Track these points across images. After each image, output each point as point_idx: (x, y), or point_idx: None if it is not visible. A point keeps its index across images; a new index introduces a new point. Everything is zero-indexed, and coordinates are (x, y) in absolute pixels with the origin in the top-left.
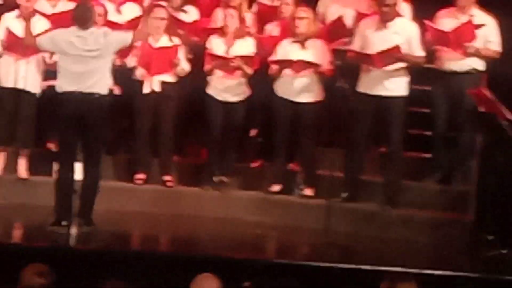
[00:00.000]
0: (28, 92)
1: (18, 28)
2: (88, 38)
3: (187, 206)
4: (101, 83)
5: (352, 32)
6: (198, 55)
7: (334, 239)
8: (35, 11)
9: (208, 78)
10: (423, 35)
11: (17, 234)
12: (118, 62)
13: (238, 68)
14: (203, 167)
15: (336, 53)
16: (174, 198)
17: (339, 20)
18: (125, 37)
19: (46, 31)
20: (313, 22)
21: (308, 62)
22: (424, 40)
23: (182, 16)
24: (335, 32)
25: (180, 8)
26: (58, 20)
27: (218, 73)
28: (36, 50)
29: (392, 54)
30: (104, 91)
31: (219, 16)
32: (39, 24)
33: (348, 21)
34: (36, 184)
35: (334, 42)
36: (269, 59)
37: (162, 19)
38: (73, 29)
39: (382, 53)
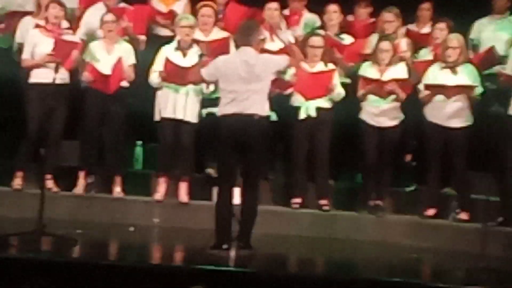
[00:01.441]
0: (187, 122)
1: (177, 59)
2: (250, 61)
3: (342, 229)
4: (261, 104)
5: (505, 59)
6: (353, 80)
7: (490, 263)
8: (193, 41)
9: (362, 103)
10: None
11: (178, 256)
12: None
13: (392, 92)
14: (358, 191)
15: (488, 77)
16: (330, 221)
17: (491, 50)
18: (282, 61)
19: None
20: (464, 50)
21: (464, 87)
22: None
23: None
24: (487, 61)
25: (337, 36)
26: (212, 47)
27: (371, 97)
28: (195, 79)
29: None
30: (263, 112)
31: (373, 43)
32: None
33: (501, 45)
34: (196, 208)
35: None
36: (424, 83)
37: (319, 47)
38: (236, 54)
39: None
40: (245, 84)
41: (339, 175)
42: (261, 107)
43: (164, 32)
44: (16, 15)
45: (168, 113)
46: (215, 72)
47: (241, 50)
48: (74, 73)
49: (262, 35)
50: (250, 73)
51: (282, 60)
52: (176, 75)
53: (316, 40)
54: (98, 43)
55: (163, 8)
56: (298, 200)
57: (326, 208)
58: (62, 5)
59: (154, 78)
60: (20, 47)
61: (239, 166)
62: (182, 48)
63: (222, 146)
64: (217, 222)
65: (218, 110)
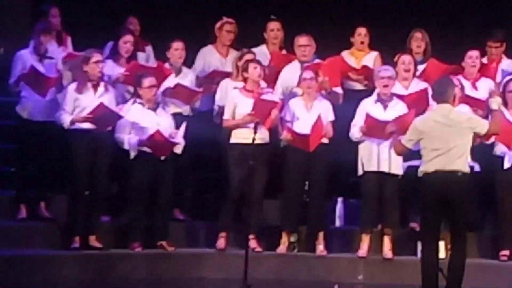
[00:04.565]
0: (391, 174)
1: (378, 113)
2: (449, 118)
3: None
4: (462, 160)
5: None
6: None
7: None
8: (392, 95)
9: None
10: None
11: None
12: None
13: None
14: None
15: None
16: None
17: None
18: (482, 125)
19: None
20: None
21: None
22: None
23: None
24: None
25: None
26: (411, 101)
27: None
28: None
29: None
30: (465, 168)
31: None
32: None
33: None
34: (401, 264)
35: None
36: None
37: None
38: (434, 112)
39: None
40: (446, 141)
41: None
42: (463, 163)
43: (358, 86)
44: (216, 76)
45: (372, 166)
46: (415, 135)
47: (439, 108)
48: (273, 132)
49: (458, 88)
50: (450, 131)
51: (483, 125)
52: (377, 129)
53: None
54: (297, 100)
55: (354, 63)
56: (507, 252)
57: None
58: (261, 64)
59: (355, 132)
60: (220, 109)
61: (444, 220)
62: (382, 101)
63: (426, 202)
64: (424, 277)
65: (420, 168)
